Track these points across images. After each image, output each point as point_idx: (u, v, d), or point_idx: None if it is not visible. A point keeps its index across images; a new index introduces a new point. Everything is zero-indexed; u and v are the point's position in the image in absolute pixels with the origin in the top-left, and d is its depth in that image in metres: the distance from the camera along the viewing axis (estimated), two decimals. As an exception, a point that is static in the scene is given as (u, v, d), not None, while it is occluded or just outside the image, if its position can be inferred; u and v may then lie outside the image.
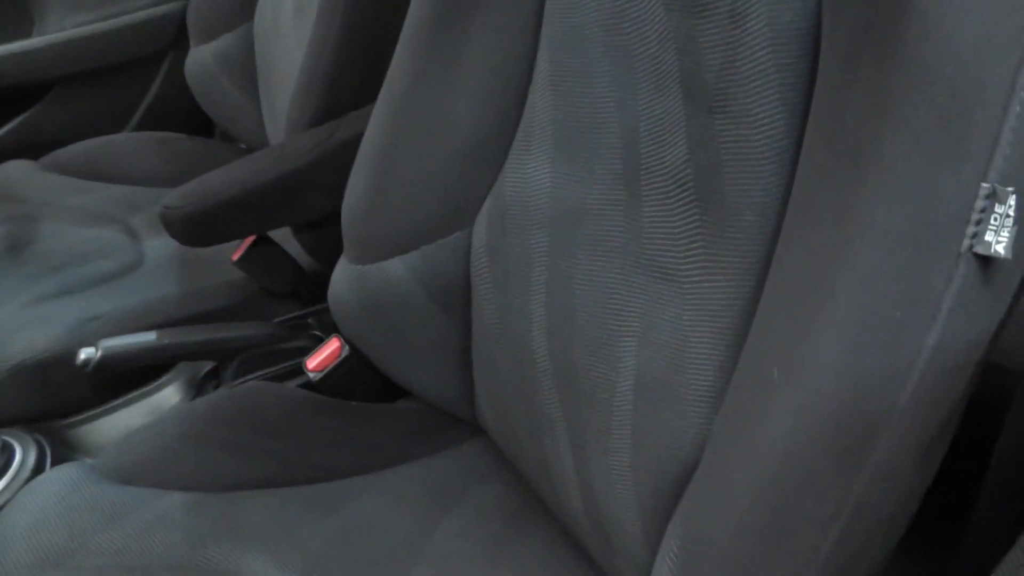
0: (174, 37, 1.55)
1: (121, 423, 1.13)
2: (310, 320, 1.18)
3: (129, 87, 1.65)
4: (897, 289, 0.43)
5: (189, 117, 1.53)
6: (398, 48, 0.76)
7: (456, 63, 0.73)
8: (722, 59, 0.54)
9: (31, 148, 1.48)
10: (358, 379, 0.98)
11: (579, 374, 0.67)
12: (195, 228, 1.00)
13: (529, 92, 0.70)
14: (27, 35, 1.57)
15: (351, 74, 1.01)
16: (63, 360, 1.01)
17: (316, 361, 0.97)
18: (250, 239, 1.12)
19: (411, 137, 0.76)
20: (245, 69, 1.35)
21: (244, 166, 1.02)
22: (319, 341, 1.03)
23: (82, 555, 0.75)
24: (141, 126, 1.65)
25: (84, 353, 0.95)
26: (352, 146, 0.84)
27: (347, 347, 0.96)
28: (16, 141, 1.57)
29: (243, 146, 1.54)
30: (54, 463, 1.09)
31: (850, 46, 0.46)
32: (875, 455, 0.45)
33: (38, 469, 1.06)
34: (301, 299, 1.21)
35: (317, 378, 0.96)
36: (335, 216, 0.88)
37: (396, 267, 0.81)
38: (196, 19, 1.43)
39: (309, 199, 1.02)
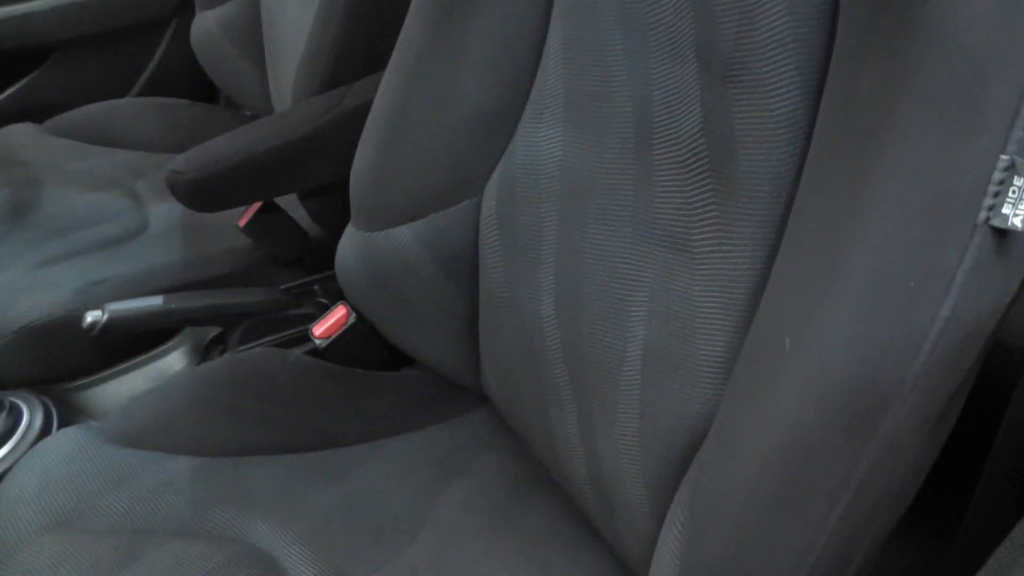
0: (179, 3, 1.54)
1: (127, 387, 1.13)
2: (316, 287, 1.18)
3: (133, 52, 1.64)
4: (911, 260, 0.43)
5: (193, 83, 1.53)
6: (408, 15, 0.76)
7: (466, 31, 0.72)
8: (738, 27, 0.53)
9: (35, 112, 1.47)
10: (364, 347, 0.98)
11: (587, 344, 0.67)
12: (201, 193, 0.99)
13: (541, 61, 0.70)
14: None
15: (360, 41, 1.00)
16: (68, 323, 1.01)
17: (322, 328, 0.97)
18: (256, 205, 1.11)
19: (420, 105, 0.75)
20: (250, 36, 1.34)
21: (250, 132, 1.02)
22: (324, 308, 1.03)
23: (89, 517, 0.75)
24: (145, 91, 1.64)
25: (91, 316, 0.95)
26: (360, 114, 0.83)
27: (353, 315, 0.96)
28: (20, 105, 1.56)
29: (248, 113, 1.54)
30: (60, 426, 1.09)
31: (868, 15, 0.45)
32: (884, 427, 0.45)
33: (45, 431, 1.07)
34: (306, 266, 1.21)
35: (323, 345, 0.96)
36: (342, 184, 0.88)
37: (404, 234, 0.81)
38: None
39: (316, 166, 1.02)
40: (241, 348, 1.06)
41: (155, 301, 0.98)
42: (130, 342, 1.11)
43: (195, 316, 1.01)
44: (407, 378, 0.96)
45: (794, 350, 0.46)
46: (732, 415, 0.53)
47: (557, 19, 0.68)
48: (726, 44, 0.53)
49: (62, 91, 1.59)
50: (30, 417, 1.07)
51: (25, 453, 1.02)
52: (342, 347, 0.97)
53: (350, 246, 0.87)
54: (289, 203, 1.17)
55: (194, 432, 0.85)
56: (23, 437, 1.05)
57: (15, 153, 1.35)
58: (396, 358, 0.98)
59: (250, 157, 0.99)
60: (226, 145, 1.00)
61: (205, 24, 1.41)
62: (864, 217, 0.44)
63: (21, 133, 1.40)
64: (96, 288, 1.08)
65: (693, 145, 0.57)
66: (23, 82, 1.58)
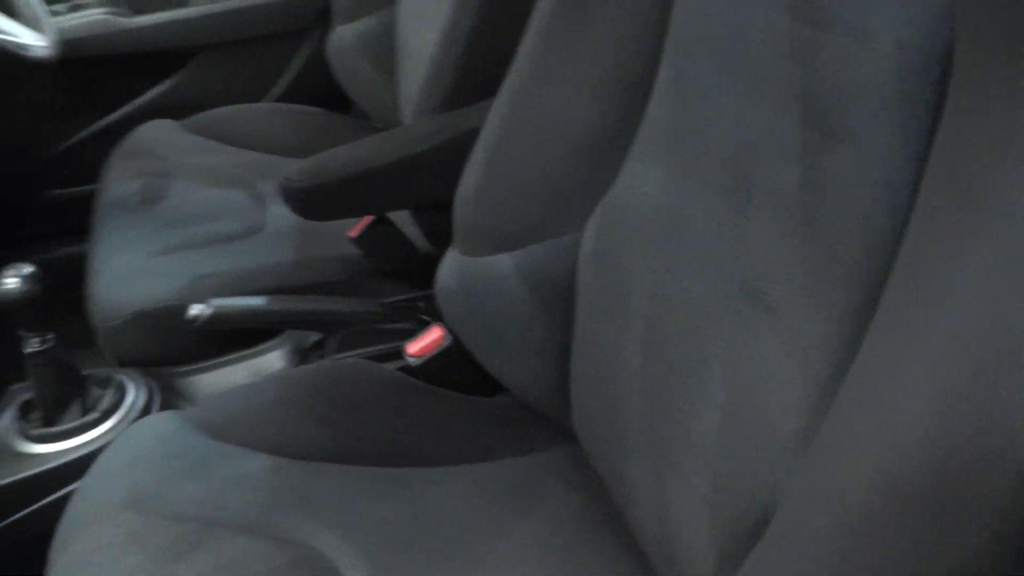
0: (318, 15, 1.59)
1: (225, 379, 1.16)
2: (420, 304, 1.18)
3: (272, 60, 1.71)
4: (1003, 350, 0.39)
5: (327, 93, 1.57)
6: (523, 42, 0.76)
7: (576, 62, 0.72)
8: (844, 80, 0.50)
9: (177, 110, 1.55)
10: (456, 369, 0.97)
11: (665, 398, 0.65)
12: (312, 202, 1.01)
13: (650, 99, 0.68)
14: (184, 4, 1.65)
15: (481, 64, 1.01)
16: (178, 313, 1.05)
17: (417, 347, 0.98)
18: (369, 218, 1.13)
19: (526, 132, 0.75)
20: (384, 51, 1.37)
21: (367, 146, 1.04)
22: (424, 326, 1.04)
23: (165, 500, 0.77)
24: (281, 98, 1.70)
25: (195, 309, 0.98)
26: (474, 136, 0.84)
27: (449, 336, 0.96)
28: (164, 102, 1.65)
29: (378, 126, 1.57)
30: (161, 408, 1.13)
31: (983, 77, 0.42)
32: (961, 540, 0.40)
33: (145, 411, 1.10)
34: (413, 282, 1.22)
35: (416, 363, 0.97)
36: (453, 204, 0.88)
37: (503, 263, 0.80)
38: (340, 1, 1.47)
39: (427, 185, 1.03)
40: (337, 356, 1.08)
41: (258, 301, 1.00)
42: (234, 336, 1.14)
43: (295, 320, 1.04)
44: (496, 405, 0.95)
45: (869, 437, 0.43)
46: (797, 499, 0.49)
47: (668, 57, 0.66)
48: (831, 97, 0.51)
49: (203, 92, 1.66)
50: (134, 396, 1.11)
51: (124, 430, 1.06)
52: (435, 368, 0.97)
53: (450, 268, 0.87)
54: (404, 217, 1.18)
55: (277, 432, 0.86)
56: (125, 415, 1.09)
57: (152, 147, 1.42)
58: (489, 384, 0.98)
59: (361, 171, 1.01)
60: (340, 158, 1.02)
61: (342, 37, 1.46)
62: (961, 301, 0.40)
63: (160, 128, 1.47)
64: (206, 281, 1.12)
65: (789, 202, 0.54)
66: (168, 82, 1.66)
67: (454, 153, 0.82)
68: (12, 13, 1.27)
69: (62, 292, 1.18)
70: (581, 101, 0.72)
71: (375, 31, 1.39)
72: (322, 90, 1.60)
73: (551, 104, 0.73)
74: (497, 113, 0.77)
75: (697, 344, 0.62)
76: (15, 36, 1.21)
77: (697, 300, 0.62)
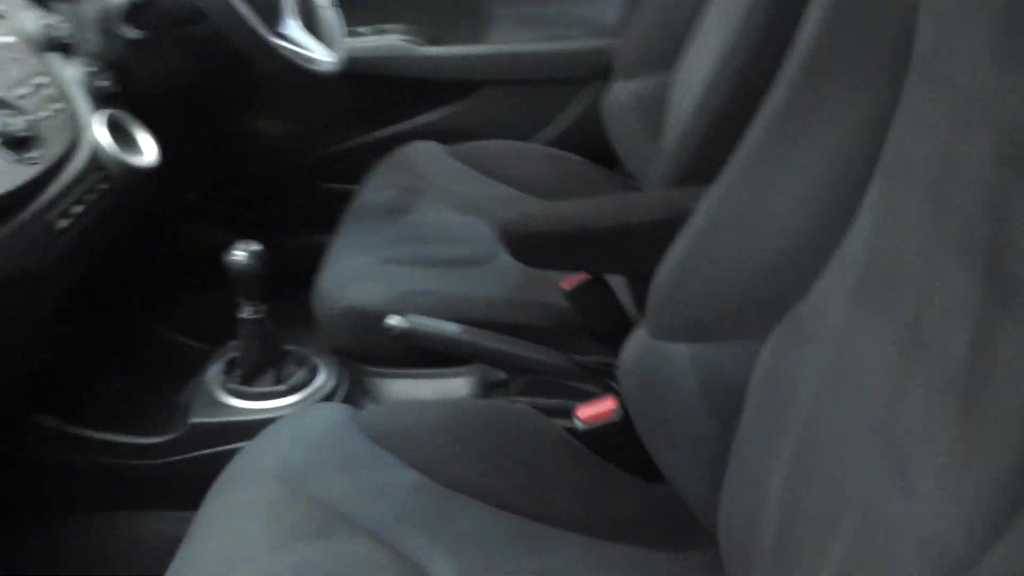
0: (600, 69, 1.62)
1: (410, 390, 1.22)
2: (609, 370, 1.18)
3: (548, 104, 1.77)
4: None
5: (596, 145, 1.59)
6: (747, 134, 0.74)
7: (791, 167, 0.69)
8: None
9: (446, 135, 1.65)
10: (620, 445, 0.96)
11: (796, 535, 0.61)
12: (522, 247, 1.04)
13: (854, 218, 0.65)
14: (477, 40, 1.76)
15: (719, 147, 1.00)
16: (381, 318, 1.11)
17: (588, 412, 0.98)
18: (585, 275, 1.14)
19: (730, 228, 0.73)
20: (655, 114, 1.36)
21: (588, 205, 1.06)
22: (606, 393, 1.03)
23: (309, 483, 0.82)
24: (551, 142, 1.74)
25: (393, 320, 1.04)
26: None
27: (621, 411, 0.95)
28: (436, 126, 1.76)
29: (636, 185, 1.58)
30: (347, 399, 1.20)
31: None
32: None
33: (329, 397, 1.18)
34: (611, 346, 1.22)
35: (583, 428, 0.97)
36: None
37: (681, 353, 0.79)
38: (622, 57, 1.49)
39: (638, 256, 1.02)
40: (514, 398, 1.10)
41: (453, 328, 1.04)
42: (428, 353, 1.19)
43: (484, 355, 1.06)
44: (650, 491, 0.94)
45: None
46: None
47: (880, 173, 0.62)
48: (1012, 260, 0.46)
49: (475, 123, 1.76)
50: (323, 381, 1.20)
51: (301, 409, 1.14)
52: (600, 437, 0.97)
53: (635, 345, 0.86)
54: (621, 282, 1.18)
55: (432, 454, 0.89)
56: (310, 395, 1.18)
57: (414, 164, 1.52)
58: (648, 468, 0.96)
59: (573, 228, 1.02)
60: (559, 210, 1.04)
61: (618, 93, 1.47)
62: None
63: (426, 149, 1.57)
64: (418, 297, 1.18)
65: (952, 369, 0.49)
66: (445, 109, 1.78)
67: (668, 231, 0.82)
68: (312, 27, 1.42)
69: (300, 275, 1.29)
70: (788, 207, 0.69)
71: (650, 92, 1.39)
72: (591, 141, 1.62)
73: (759, 204, 0.71)
74: (709, 201, 0.76)
75: (832, 492, 0.58)
76: (306, 49, 1.35)
77: (842, 445, 0.58)
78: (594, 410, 0.98)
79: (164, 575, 0.78)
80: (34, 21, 1.16)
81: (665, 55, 1.34)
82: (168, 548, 0.81)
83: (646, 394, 0.86)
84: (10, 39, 1.11)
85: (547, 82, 1.75)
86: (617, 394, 0.96)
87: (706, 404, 0.79)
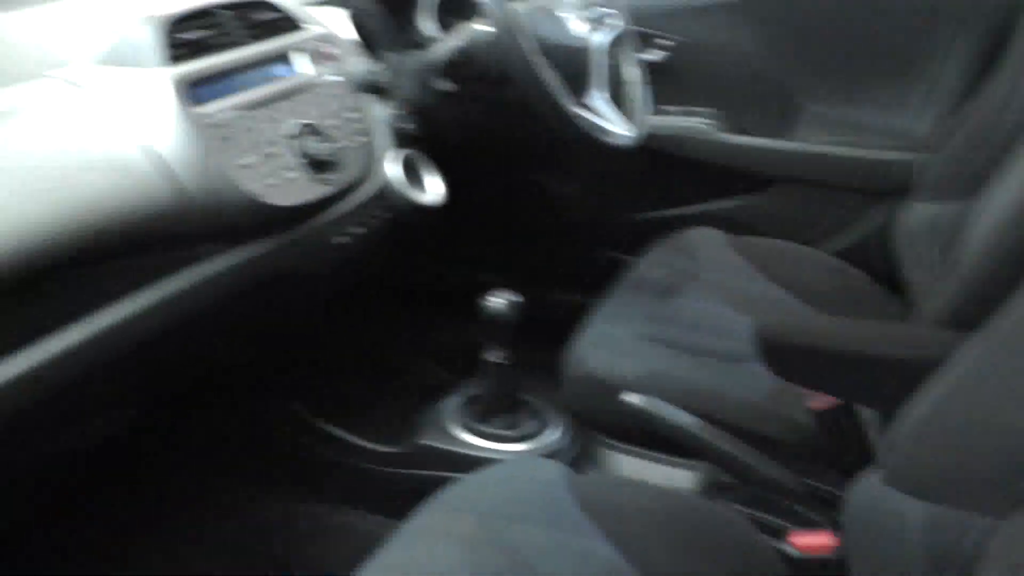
0: (900, 185, 1.51)
1: (636, 468, 1.22)
2: (838, 500, 1.13)
3: (841, 211, 1.70)
4: None
5: (883, 263, 1.50)
6: (1016, 293, 0.69)
7: None
8: None
9: (731, 225, 1.62)
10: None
11: None
12: (776, 358, 1.01)
13: None
14: (783, 136, 1.73)
15: (1004, 290, 0.92)
16: (622, 391, 1.12)
17: (804, 542, 0.95)
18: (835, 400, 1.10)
19: (998, 381, 0.68)
20: (950, 242, 1.26)
21: (855, 328, 1.01)
22: (829, 523, 0.99)
23: (504, 529, 0.86)
24: (838, 252, 1.63)
25: (629, 396, 1.06)
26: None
27: (839, 552, 0.91)
28: (723, 214, 1.75)
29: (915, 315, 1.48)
30: (572, 462, 1.23)
31: None
32: None
33: (553, 455, 1.22)
34: (846, 476, 1.16)
35: (794, 556, 0.93)
36: None
37: (914, 513, 0.73)
38: (926, 176, 1.39)
39: (896, 394, 0.97)
40: (735, 507, 1.07)
41: (689, 420, 1.03)
42: (664, 439, 1.18)
43: (713, 454, 1.04)
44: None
45: None
46: None
47: None
48: None
49: (763, 219, 1.72)
50: (553, 437, 1.23)
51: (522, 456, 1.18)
52: (810, 569, 0.93)
53: (866, 487, 0.82)
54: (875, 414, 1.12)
55: (636, 536, 0.88)
56: (537, 448, 1.22)
57: (694, 248, 1.52)
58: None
59: (830, 351, 0.98)
60: (819, 328, 1.01)
61: (914, 213, 1.38)
62: None
63: (708, 236, 1.56)
64: (662, 381, 1.18)
65: None
66: (736, 199, 1.77)
67: (917, 372, 0.77)
68: (619, 101, 1.48)
69: (556, 330, 1.34)
70: None
71: (948, 219, 1.28)
72: (878, 258, 1.53)
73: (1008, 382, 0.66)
74: (976, 350, 0.71)
75: None
76: (606, 121, 1.41)
77: None
78: (811, 541, 0.95)
79: (352, 570, 0.84)
80: (361, 66, 1.32)
81: (971, 181, 1.24)
82: (362, 546, 0.87)
83: (869, 545, 0.82)
84: (339, 78, 1.27)
85: (843, 188, 1.69)
86: (837, 528, 0.92)
87: (930, 571, 0.73)
